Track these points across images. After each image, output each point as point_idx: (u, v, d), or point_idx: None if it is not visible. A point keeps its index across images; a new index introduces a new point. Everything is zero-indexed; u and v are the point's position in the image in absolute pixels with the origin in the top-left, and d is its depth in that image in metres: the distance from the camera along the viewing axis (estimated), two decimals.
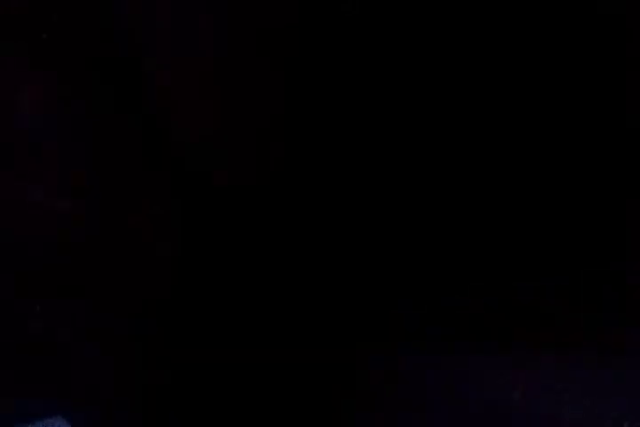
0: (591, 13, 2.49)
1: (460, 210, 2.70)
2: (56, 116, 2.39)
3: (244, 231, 2.65)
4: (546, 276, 2.61)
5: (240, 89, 2.61)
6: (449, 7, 2.62)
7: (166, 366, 2.53)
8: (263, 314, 2.63)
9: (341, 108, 2.69)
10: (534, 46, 2.60)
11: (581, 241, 2.62)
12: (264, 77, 2.62)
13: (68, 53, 2.38)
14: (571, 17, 2.52)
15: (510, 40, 2.62)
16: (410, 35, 2.65)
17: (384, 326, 2.64)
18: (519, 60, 2.63)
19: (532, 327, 2.51)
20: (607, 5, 2.46)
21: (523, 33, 2.60)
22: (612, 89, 2.57)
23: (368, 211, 2.72)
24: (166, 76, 2.52)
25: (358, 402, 2.46)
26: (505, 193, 2.69)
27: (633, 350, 2.33)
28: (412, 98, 2.70)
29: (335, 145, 2.70)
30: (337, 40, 2.63)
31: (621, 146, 2.59)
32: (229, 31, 2.54)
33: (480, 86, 2.67)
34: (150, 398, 2.50)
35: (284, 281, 2.66)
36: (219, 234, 2.62)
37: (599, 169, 2.62)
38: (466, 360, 2.43)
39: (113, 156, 2.49)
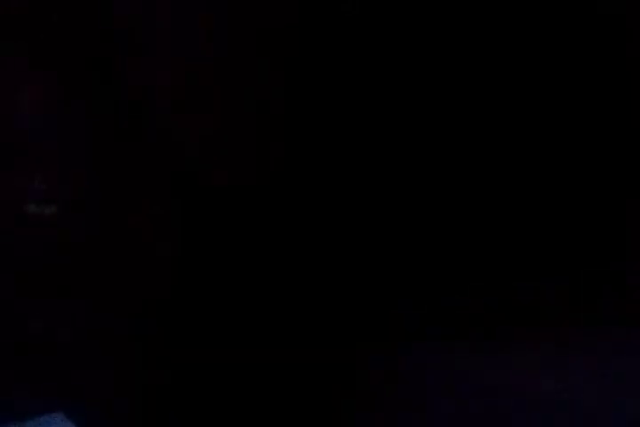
0: (591, 13, 2.49)
1: (461, 210, 2.70)
2: (56, 116, 2.39)
3: (243, 231, 2.65)
4: (546, 276, 2.61)
5: (240, 89, 2.61)
6: (449, 7, 2.62)
7: (166, 366, 2.53)
8: (263, 314, 2.63)
9: (341, 108, 2.69)
10: (534, 46, 2.60)
11: (581, 241, 2.62)
12: (264, 77, 2.62)
13: (67, 53, 2.38)
14: (571, 17, 2.52)
15: (510, 40, 2.62)
16: (410, 34, 2.65)
17: (384, 326, 2.64)
18: (519, 60, 2.63)
19: (532, 327, 2.51)
20: (607, 5, 2.46)
21: (523, 33, 2.60)
22: (612, 89, 2.57)
23: (368, 211, 2.72)
24: (166, 76, 2.52)
25: (358, 402, 2.46)
26: (505, 193, 2.69)
27: (633, 350, 2.33)
28: (412, 98, 2.69)
29: (335, 145, 2.70)
30: (337, 40, 2.63)
31: (621, 146, 2.59)
32: (229, 31, 2.54)
33: (480, 86, 2.67)
34: (150, 398, 2.50)
35: (283, 281, 2.66)
36: (219, 234, 2.62)
37: (599, 169, 2.62)
38: (466, 360, 2.43)
39: (113, 155, 2.49)
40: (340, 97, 2.68)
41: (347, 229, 2.71)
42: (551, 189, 2.65)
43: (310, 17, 2.61)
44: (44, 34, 2.33)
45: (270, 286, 2.65)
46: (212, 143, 2.60)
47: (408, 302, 2.66)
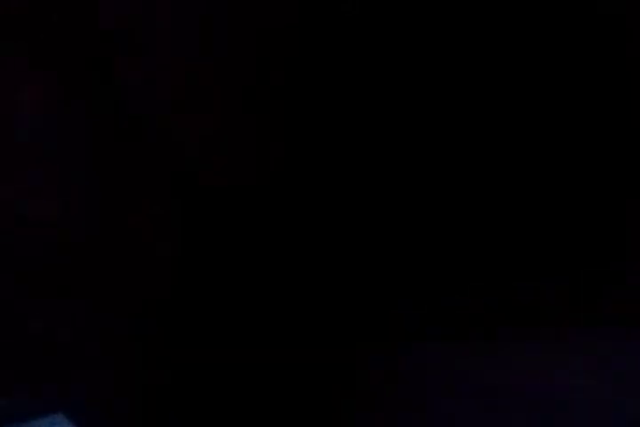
0: (591, 13, 2.49)
1: (460, 210, 2.70)
2: (56, 115, 2.39)
3: (243, 231, 2.65)
4: (546, 276, 2.61)
5: (240, 89, 2.61)
6: (449, 7, 2.62)
7: (166, 366, 2.53)
8: (263, 314, 2.63)
9: (341, 108, 2.69)
10: (534, 46, 2.60)
11: (581, 241, 2.62)
12: (264, 77, 2.62)
13: (68, 53, 2.38)
14: (571, 17, 2.52)
15: (510, 40, 2.62)
16: (410, 34, 2.65)
17: (384, 326, 2.64)
18: (519, 61, 2.63)
19: (532, 327, 2.51)
20: (607, 5, 2.46)
21: (523, 33, 2.60)
22: (612, 89, 2.57)
23: (368, 210, 2.73)
24: (166, 76, 2.52)
25: (358, 402, 2.46)
26: (505, 193, 2.69)
27: (633, 350, 2.33)
28: (412, 98, 2.70)
29: (335, 145, 2.70)
30: (337, 40, 2.63)
31: (621, 146, 2.60)
32: (229, 31, 2.55)
33: (480, 86, 2.67)
34: (150, 398, 2.50)
35: (284, 281, 2.67)
36: (219, 234, 2.62)
37: (599, 169, 2.62)
38: (466, 360, 2.43)
39: (113, 156, 2.49)
40: (340, 97, 2.68)
41: (346, 229, 2.71)
42: (551, 189, 2.65)
43: (310, 17, 2.61)
44: (44, 34, 2.33)
45: (270, 286, 2.65)
46: (212, 143, 2.60)
47: (408, 302, 2.66)
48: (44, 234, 2.40)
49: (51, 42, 2.36)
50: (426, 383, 2.39)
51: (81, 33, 2.40)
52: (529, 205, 2.68)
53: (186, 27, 2.50)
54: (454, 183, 2.71)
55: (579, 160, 2.64)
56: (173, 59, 2.51)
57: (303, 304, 2.66)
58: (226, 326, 2.59)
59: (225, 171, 2.62)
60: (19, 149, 2.38)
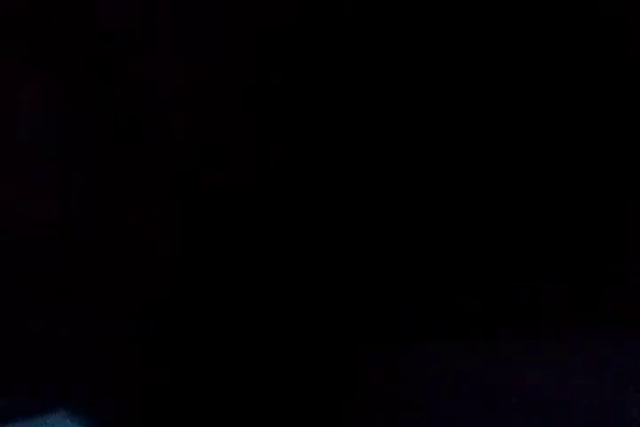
0: (591, 13, 2.49)
1: (460, 210, 2.70)
2: (55, 115, 2.39)
3: (244, 231, 2.65)
4: (546, 276, 2.61)
5: (240, 89, 2.61)
6: (449, 7, 2.62)
7: (166, 366, 2.53)
8: (263, 314, 2.63)
9: (341, 109, 2.69)
10: (534, 46, 2.60)
11: (581, 241, 2.62)
12: (264, 77, 2.62)
13: (67, 53, 2.38)
14: (571, 17, 2.52)
15: (510, 40, 2.62)
16: (410, 35, 2.65)
17: (384, 326, 2.64)
18: (519, 61, 2.63)
19: (532, 327, 2.51)
20: (607, 5, 2.46)
21: (522, 33, 2.60)
22: (611, 89, 2.57)
23: (368, 210, 2.72)
24: (166, 76, 2.52)
25: (358, 402, 2.46)
26: (505, 193, 2.69)
27: (633, 350, 2.33)
28: (412, 98, 2.70)
29: (335, 145, 2.70)
30: (337, 40, 2.63)
31: (621, 146, 2.59)
32: (229, 31, 2.54)
33: (480, 87, 2.67)
34: (150, 398, 2.50)
35: (284, 281, 2.66)
36: (219, 234, 2.62)
37: (599, 169, 2.62)
38: (466, 360, 2.43)
39: (113, 156, 2.49)
40: (340, 98, 2.68)
41: (346, 228, 2.71)
42: (551, 189, 2.65)
43: (310, 17, 2.61)
44: (44, 34, 2.33)
45: (270, 285, 2.65)
46: (212, 143, 2.60)
47: (408, 301, 2.66)
48: (44, 234, 2.40)
49: (51, 42, 2.36)
50: (426, 383, 2.39)
51: (81, 33, 2.39)
52: (529, 205, 2.68)
53: (186, 27, 2.50)
54: (455, 183, 2.71)
55: (578, 160, 2.64)
56: (173, 59, 2.51)
57: (303, 304, 2.66)
58: (226, 326, 2.59)
59: (225, 171, 2.62)
60: (19, 149, 2.37)
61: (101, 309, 2.48)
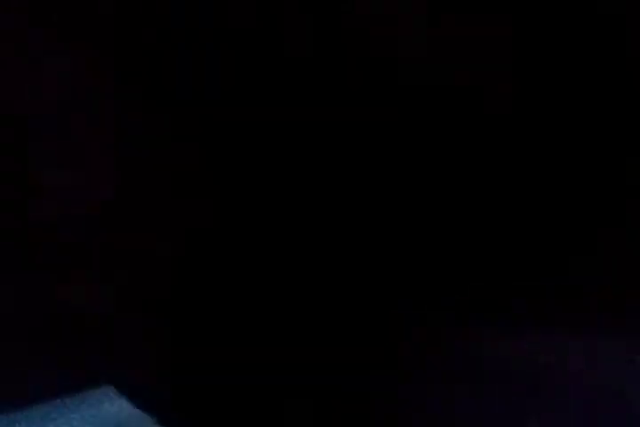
0: (591, 13, 2.49)
1: (460, 210, 2.70)
2: (56, 121, 2.39)
3: (244, 231, 2.65)
4: (545, 276, 2.61)
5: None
6: (449, 7, 2.62)
7: (167, 367, 2.53)
8: (263, 314, 2.63)
9: (342, 108, 2.69)
10: (534, 46, 2.60)
11: (581, 241, 2.62)
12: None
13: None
14: (571, 17, 2.52)
15: (510, 40, 2.62)
16: (411, 33, 2.65)
17: (384, 326, 2.64)
18: (518, 60, 2.63)
19: (532, 327, 2.51)
20: (607, 5, 2.46)
21: (522, 33, 2.60)
22: (612, 89, 2.57)
23: (369, 211, 2.72)
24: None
25: (359, 402, 2.46)
26: (505, 193, 2.69)
27: (633, 350, 2.33)
28: (413, 97, 2.70)
29: (336, 145, 2.70)
30: (337, 40, 2.63)
31: (621, 146, 2.60)
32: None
33: (480, 87, 2.67)
34: (150, 398, 2.50)
35: (284, 281, 2.67)
36: (219, 234, 2.62)
37: (599, 169, 2.62)
38: (465, 360, 2.44)
39: (112, 155, 2.49)
40: (341, 97, 2.68)
41: (347, 228, 2.71)
42: (551, 189, 2.65)
43: (311, 17, 2.61)
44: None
45: (271, 285, 2.65)
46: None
47: (408, 301, 2.66)
48: (44, 234, 2.40)
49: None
50: (427, 383, 2.39)
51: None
52: (529, 205, 2.68)
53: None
54: (455, 183, 2.71)
55: (578, 160, 2.64)
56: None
57: (303, 304, 2.66)
58: (226, 325, 2.59)
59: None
60: (17, 148, 2.37)
61: (101, 308, 2.48)
